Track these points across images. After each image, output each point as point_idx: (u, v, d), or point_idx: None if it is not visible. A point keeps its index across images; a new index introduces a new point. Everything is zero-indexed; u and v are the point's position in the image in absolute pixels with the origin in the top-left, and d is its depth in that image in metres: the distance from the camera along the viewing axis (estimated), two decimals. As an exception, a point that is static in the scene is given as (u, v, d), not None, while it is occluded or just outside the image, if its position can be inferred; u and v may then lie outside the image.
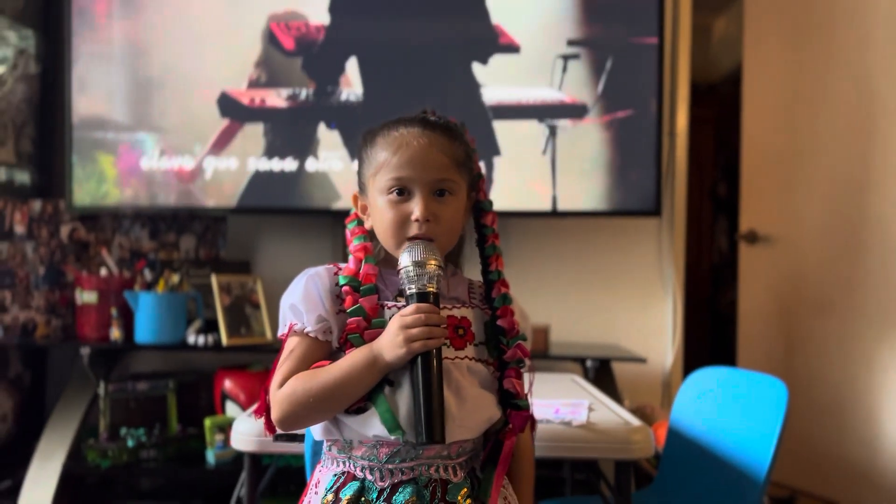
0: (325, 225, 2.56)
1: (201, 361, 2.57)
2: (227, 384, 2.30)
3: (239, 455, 2.16)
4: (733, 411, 1.66)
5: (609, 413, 1.46)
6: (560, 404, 1.49)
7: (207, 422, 2.19)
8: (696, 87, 5.50)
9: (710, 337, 4.96)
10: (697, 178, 5.52)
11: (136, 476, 2.43)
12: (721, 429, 1.68)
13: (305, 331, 0.99)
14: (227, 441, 2.18)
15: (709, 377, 1.80)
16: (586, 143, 2.37)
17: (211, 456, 2.18)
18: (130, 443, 2.19)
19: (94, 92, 2.43)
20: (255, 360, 2.45)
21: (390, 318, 0.96)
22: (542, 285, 2.63)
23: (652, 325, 2.66)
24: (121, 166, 2.44)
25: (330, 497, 0.97)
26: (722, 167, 5.53)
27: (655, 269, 2.67)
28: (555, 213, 2.40)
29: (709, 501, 1.63)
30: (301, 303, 1.00)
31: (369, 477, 0.96)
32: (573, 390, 1.75)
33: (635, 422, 1.37)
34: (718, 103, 5.26)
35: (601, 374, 2.25)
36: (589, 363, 2.23)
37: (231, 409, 2.27)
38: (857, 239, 3.07)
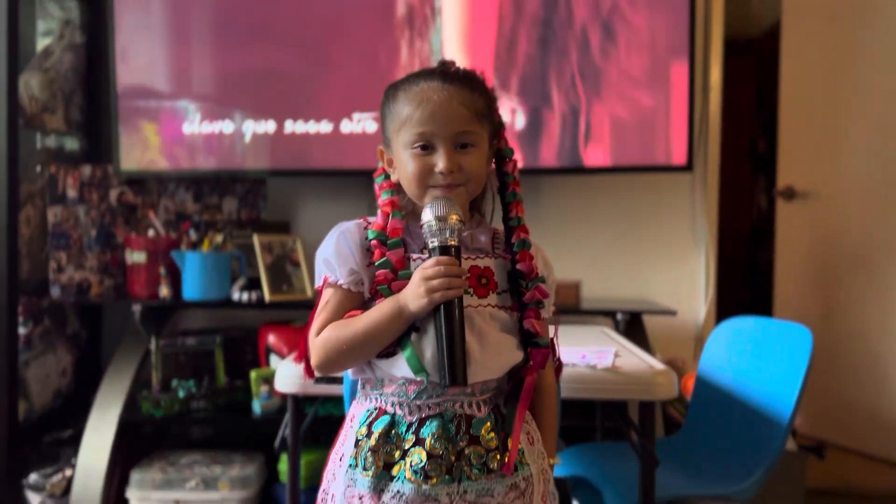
0: (360, 185, 2.63)
1: (246, 318, 2.68)
2: (271, 338, 2.40)
3: (282, 405, 2.28)
4: (759, 359, 1.70)
5: (634, 359, 1.51)
6: (587, 351, 1.54)
7: (253, 374, 2.30)
8: (735, 43, 5.39)
9: (749, 295, 4.93)
10: (736, 135, 5.44)
11: (188, 425, 2.57)
12: (747, 376, 1.71)
13: (338, 283, 1.05)
14: (271, 392, 2.29)
15: (736, 326, 1.84)
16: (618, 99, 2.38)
17: (257, 406, 2.29)
18: (181, 394, 2.32)
19: (136, 61, 2.51)
20: (297, 316, 2.55)
21: (416, 269, 1.02)
22: (575, 242, 2.67)
23: (685, 281, 2.69)
24: (163, 134, 2.53)
25: (364, 430, 1.04)
26: (761, 124, 5.43)
27: (688, 225, 2.69)
28: (584, 170, 2.42)
29: (735, 445, 1.67)
30: (334, 257, 1.06)
31: (399, 412, 1.03)
32: (602, 340, 1.80)
33: (659, 366, 1.42)
34: (758, 59, 5.15)
35: (632, 327, 2.29)
36: (619, 316, 2.27)
37: (275, 362, 2.38)
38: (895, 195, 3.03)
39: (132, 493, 2.26)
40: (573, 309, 2.32)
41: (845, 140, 3.26)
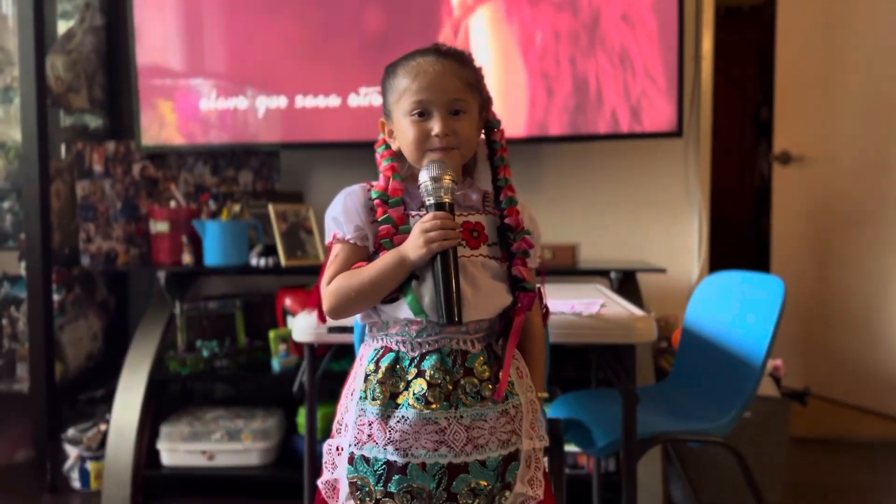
0: (368, 155, 2.74)
1: (263, 282, 2.85)
2: (287, 301, 2.57)
3: (299, 362, 2.44)
4: (737, 309, 1.83)
5: (619, 308, 1.65)
6: (576, 302, 1.68)
7: (272, 334, 2.46)
8: (739, 10, 5.46)
9: (753, 259, 5.03)
10: (741, 101, 5.52)
11: (212, 382, 2.75)
12: (727, 325, 1.85)
13: (346, 238, 1.19)
14: (289, 350, 2.45)
15: (718, 280, 1.97)
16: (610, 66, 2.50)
17: (276, 364, 2.46)
18: (205, 354, 2.48)
19: (152, 42, 2.65)
20: (311, 280, 2.70)
21: (414, 225, 1.15)
22: (574, 207, 2.81)
23: (679, 242, 2.82)
24: (179, 111, 2.67)
25: (372, 366, 1.19)
26: (765, 91, 5.50)
27: (683, 189, 2.82)
28: (580, 138, 2.55)
29: (715, 389, 1.82)
30: (341, 215, 1.20)
31: (402, 349, 1.17)
32: (593, 295, 1.94)
33: (639, 312, 1.56)
34: (761, 26, 5.20)
35: (625, 285, 2.43)
36: (613, 275, 2.41)
37: (291, 323, 2.54)
38: (888, 157, 3.14)
39: (162, 445, 2.44)
40: (570, 270, 2.46)
41: (838, 106, 3.36)
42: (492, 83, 2.05)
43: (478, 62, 1.25)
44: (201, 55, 2.67)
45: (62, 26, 2.69)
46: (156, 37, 2.65)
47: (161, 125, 2.67)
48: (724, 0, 5.26)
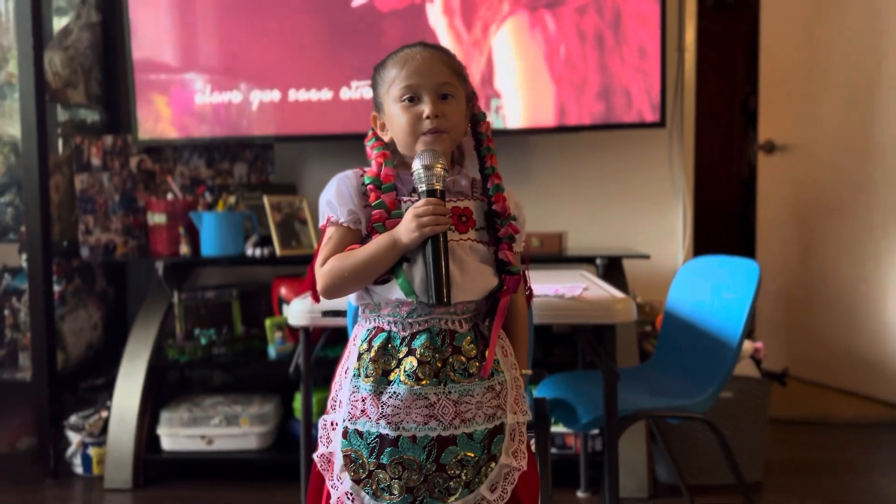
0: (360, 148, 2.82)
1: (259, 272, 2.92)
2: (283, 290, 2.63)
3: (295, 348, 2.51)
4: (716, 291, 1.91)
5: (601, 291, 1.73)
6: (560, 286, 1.76)
7: (268, 322, 2.53)
8: (727, 2, 5.51)
9: (739, 246, 5.12)
10: (730, 91, 5.60)
11: (210, 369, 2.81)
12: (706, 307, 1.93)
13: (340, 221, 1.25)
14: (285, 338, 2.52)
15: (698, 265, 2.05)
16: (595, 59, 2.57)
17: (272, 351, 2.53)
18: (203, 341, 2.55)
19: (146, 37, 2.70)
20: (306, 270, 2.76)
21: (406, 210, 1.21)
22: (562, 196, 2.88)
23: (664, 229, 2.90)
24: (174, 106, 2.73)
25: (365, 345, 1.25)
26: (753, 81, 5.58)
27: (667, 178, 2.89)
28: (562, 129, 2.62)
29: (694, 368, 1.90)
30: (335, 199, 1.26)
31: (394, 329, 1.23)
32: (577, 280, 2.02)
33: (619, 294, 1.63)
34: (749, 17, 5.27)
35: (611, 271, 2.50)
36: (599, 261, 2.49)
37: (287, 311, 2.60)
38: (867, 145, 3.22)
39: (162, 430, 2.51)
40: (557, 257, 2.53)
41: (820, 96, 3.44)
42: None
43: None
44: (195, 50, 2.73)
45: (57, 23, 2.74)
46: (150, 33, 2.71)
47: (157, 119, 2.73)
48: (712, -8, 5.34)
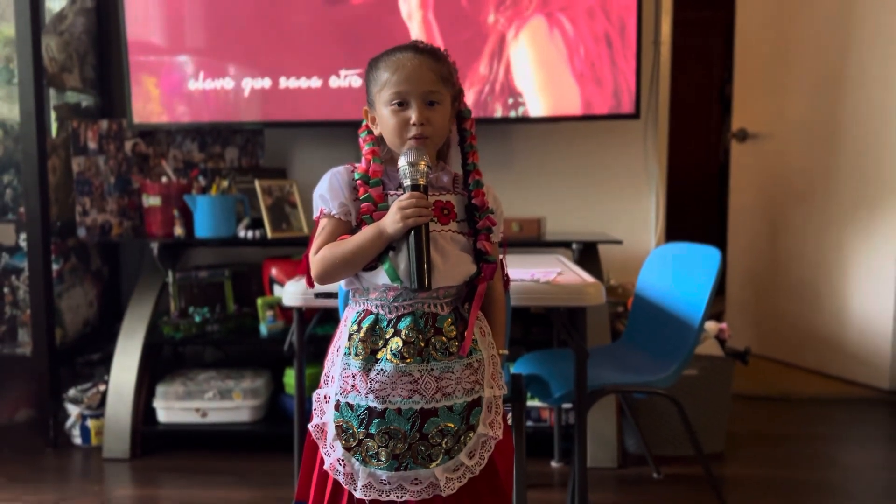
0: (348, 134, 2.94)
1: (250, 253, 3.03)
2: (273, 271, 2.75)
3: (286, 327, 2.64)
4: (681, 275, 2.05)
5: (574, 276, 1.86)
6: (536, 270, 1.89)
7: (259, 301, 2.65)
8: (706, -10, 5.60)
9: (714, 230, 5.27)
10: (709, 78, 5.73)
11: (204, 345, 2.93)
12: (672, 290, 2.08)
13: (332, 213, 1.36)
14: (276, 316, 2.64)
15: (665, 251, 2.19)
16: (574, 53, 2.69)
17: (263, 328, 2.65)
18: (197, 319, 2.67)
19: (139, 20, 2.76)
20: (296, 251, 2.89)
21: (392, 203, 1.33)
22: (541, 182, 3.01)
23: (638, 216, 3.04)
24: (166, 91, 2.80)
25: (354, 326, 1.37)
26: (729, 69, 5.70)
27: (641, 167, 3.03)
28: (546, 119, 2.74)
29: (660, 346, 2.04)
30: (327, 192, 1.37)
31: (381, 311, 1.35)
32: (553, 264, 2.15)
33: (590, 279, 1.77)
34: (727, 5, 5.38)
35: (586, 256, 2.64)
36: (575, 246, 2.62)
37: (278, 290, 2.73)
38: (833, 134, 3.37)
39: (158, 404, 2.63)
40: (536, 242, 2.66)
41: (789, 84, 3.58)
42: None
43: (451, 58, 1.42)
44: (188, 37, 2.80)
45: (58, 9, 2.81)
46: (144, 18, 2.77)
47: (151, 103, 2.81)
48: (692, -21, 5.44)
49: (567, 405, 2.39)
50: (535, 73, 2.71)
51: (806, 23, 3.47)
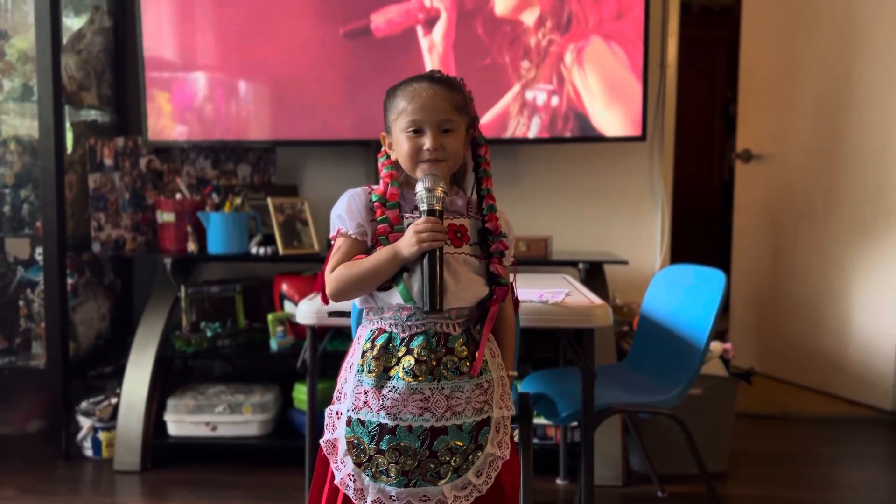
0: (358, 153, 3.00)
1: (261, 269, 3.08)
2: (284, 287, 2.79)
3: (296, 343, 2.68)
4: (687, 297, 2.09)
5: (582, 297, 1.90)
6: (544, 291, 1.93)
7: (270, 316, 2.69)
8: (710, 10, 5.70)
9: (717, 250, 5.31)
10: (713, 97, 5.78)
11: (215, 359, 2.97)
12: (677, 311, 2.11)
13: (349, 233, 1.41)
14: (286, 332, 2.68)
15: (671, 272, 2.23)
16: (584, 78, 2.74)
17: (273, 343, 2.69)
18: (209, 333, 2.71)
19: (153, 39, 2.82)
20: (306, 267, 2.94)
21: (408, 226, 1.37)
22: (548, 201, 3.06)
23: (643, 236, 3.08)
24: (178, 108, 2.86)
25: (368, 344, 1.41)
26: (734, 87, 5.75)
27: (647, 188, 3.07)
28: (556, 140, 2.79)
29: (665, 367, 2.08)
30: (345, 213, 1.42)
31: (394, 330, 1.39)
32: (561, 284, 2.19)
33: (598, 301, 1.81)
34: (732, 25, 5.44)
35: (592, 275, 2.68)
36: (581, 265, 2.66)
37: (288, 306, 2.77)
38: (836, 155, 3.41)
39: (169, 417, 2.67)
40: (543, 260, 2.70)
41: (793, 105, 3.62)
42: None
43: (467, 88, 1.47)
44: (204, 58, 2.86)
45: (76, 28, 2.87)
46: (164, 38, 2.83)
47: (165, 122, 2.87)
48: (698, 0, 5.51)
49: (573, 423, 2.42)
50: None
51: (810, 44, 3.51)
